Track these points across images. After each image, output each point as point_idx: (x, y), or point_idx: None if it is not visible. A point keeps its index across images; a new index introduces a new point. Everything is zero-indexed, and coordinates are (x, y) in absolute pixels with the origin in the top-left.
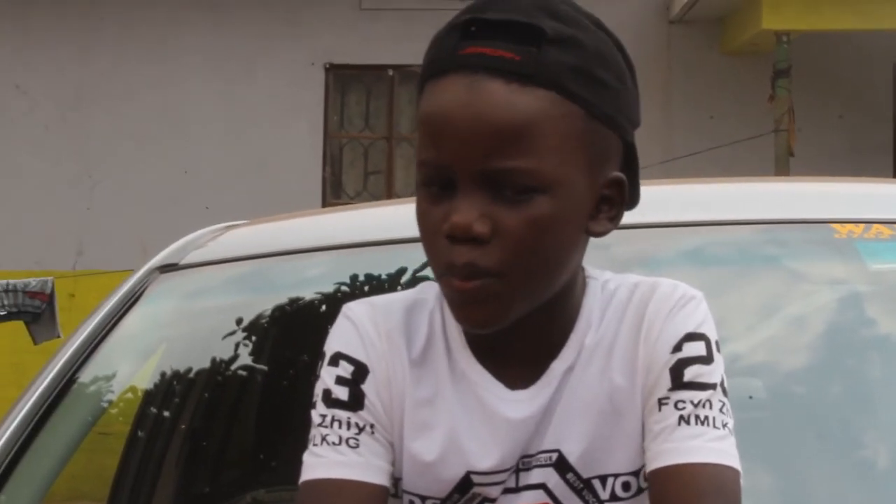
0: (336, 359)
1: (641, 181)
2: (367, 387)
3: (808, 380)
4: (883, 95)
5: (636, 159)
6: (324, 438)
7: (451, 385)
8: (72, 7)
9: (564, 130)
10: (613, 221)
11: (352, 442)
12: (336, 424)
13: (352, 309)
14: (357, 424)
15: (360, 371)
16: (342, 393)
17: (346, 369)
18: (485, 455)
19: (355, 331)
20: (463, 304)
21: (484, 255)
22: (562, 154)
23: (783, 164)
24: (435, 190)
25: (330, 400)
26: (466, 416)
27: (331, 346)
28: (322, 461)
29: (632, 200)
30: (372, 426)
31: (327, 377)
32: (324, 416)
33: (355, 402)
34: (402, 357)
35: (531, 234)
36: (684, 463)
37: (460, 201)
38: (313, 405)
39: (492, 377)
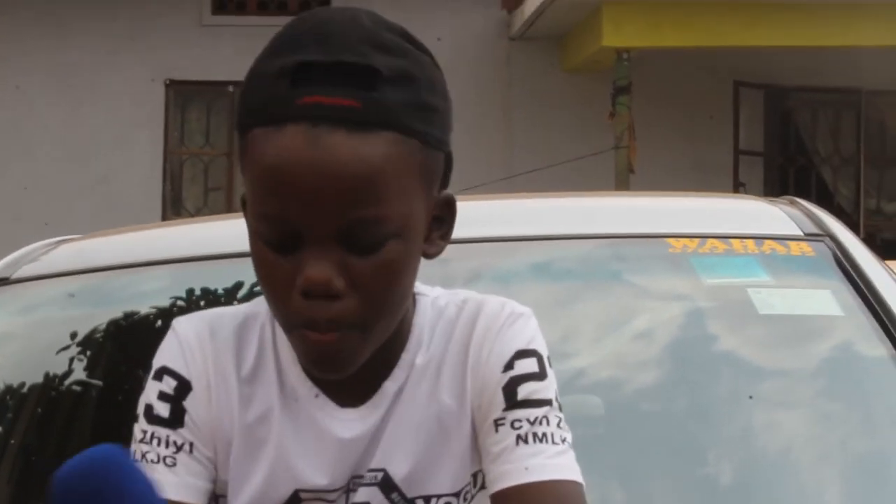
0: (160, 373)
1: (482, 196)
2: (188, 403)
3: (644, 394)
4: (724, 112)
5: (451, 166)
6: (143, 455)
7: (281, 402)
8: None
9: (406, 168)
10: (445, 239)
11: (168, 461)
12: (155, 442)
13: (180, 323)
14: (175, 443)
15: (183, 387)
16: (163, 409)
17: (168, 385)
18: (314, 474)
19: (180, 346)
20: (321, 356)
21: (343, 308)
22: (405, 193)
23: (623, 181)
24: (278, 242)
25: (151, 416)
26: (296, 434)
27: (157, 360)
28: None
29: None
30: (191, 444)
31: (151, 392)
32: (144, 433)
33: (175, 419)
34: (230, 376)
35: (386, 280)
36: (526, 483)
37: (312, 256)
38: (136, 418)
39: (323, 395)
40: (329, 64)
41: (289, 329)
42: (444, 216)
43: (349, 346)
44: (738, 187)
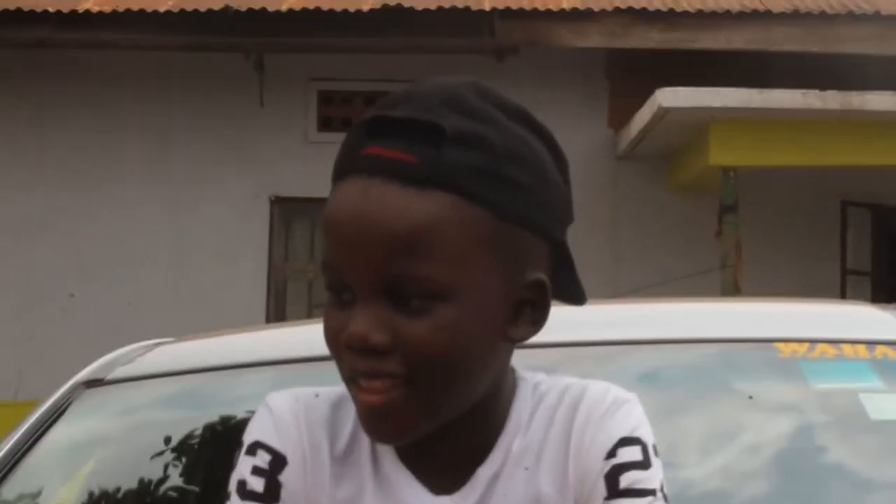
0: (254, 448)
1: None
2: (283, 478)
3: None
4: (831, 232)
5: (570, 257)
6: None
7: (373, 485)
8: (18, 137)
9: (467, 235)
10: (536, 325)
11: None
12: None
13: (274, 399)
14: None
15: (278, 462)
16: (258, 484)
17: (263, 459)
18: None
19: (274, 421)
20: (371, 416)
21: (383, 363)
22: (465, 259)
23: None
24: (340, 294)
25: (244, 491)
26: None
27: (249, 435)
28: None
29: (576, 298)
30: None
31: (243, 467)
32: None
33: (270, 494)
34: (323, 452)
35: (436, 343)
36: None
37: (358, 310)
38: (227, 496)
39: (416, 481)
40: (400, 120)
41: (346, 383)
42: (535, 300)
43: (396, 407)
44: None
